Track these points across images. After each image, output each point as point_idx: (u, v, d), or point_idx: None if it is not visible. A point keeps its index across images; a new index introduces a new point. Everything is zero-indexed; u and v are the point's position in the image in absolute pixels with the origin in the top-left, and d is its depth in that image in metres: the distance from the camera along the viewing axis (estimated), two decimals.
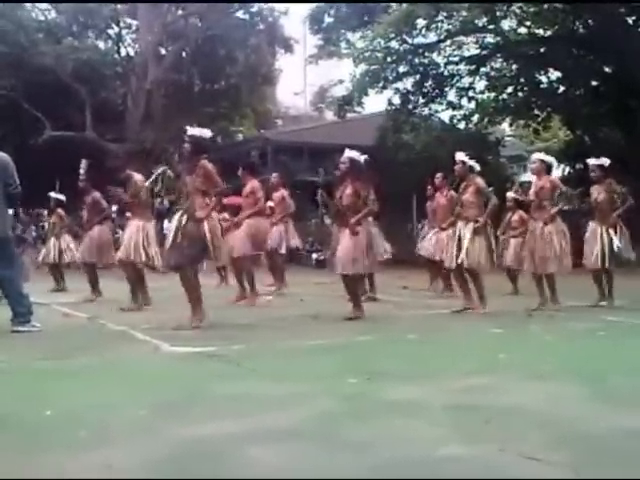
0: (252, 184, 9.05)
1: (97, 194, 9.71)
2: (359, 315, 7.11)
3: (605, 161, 8.29)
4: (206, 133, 6.76)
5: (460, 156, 7.85)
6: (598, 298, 8.27)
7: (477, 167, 7.92)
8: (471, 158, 7.91)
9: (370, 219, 8.71)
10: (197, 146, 6.59)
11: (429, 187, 10.94)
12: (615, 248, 8.01)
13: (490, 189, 7.92)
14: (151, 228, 8.39)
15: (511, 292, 10.13)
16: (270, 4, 29.84)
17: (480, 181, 7.74)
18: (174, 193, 6.85)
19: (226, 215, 9.19)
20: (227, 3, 28.53)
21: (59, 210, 11.82)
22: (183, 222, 6.34)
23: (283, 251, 10.76)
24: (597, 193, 8.25)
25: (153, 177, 7.28)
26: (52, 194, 12.06)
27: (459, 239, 7.62)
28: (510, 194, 10.20)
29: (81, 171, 9.55)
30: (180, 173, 6.79)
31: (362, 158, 7.34)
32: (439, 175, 10.10)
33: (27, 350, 5.30)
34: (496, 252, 8.09)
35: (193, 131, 6.69)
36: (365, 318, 7.10)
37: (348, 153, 7.33)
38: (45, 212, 14.57)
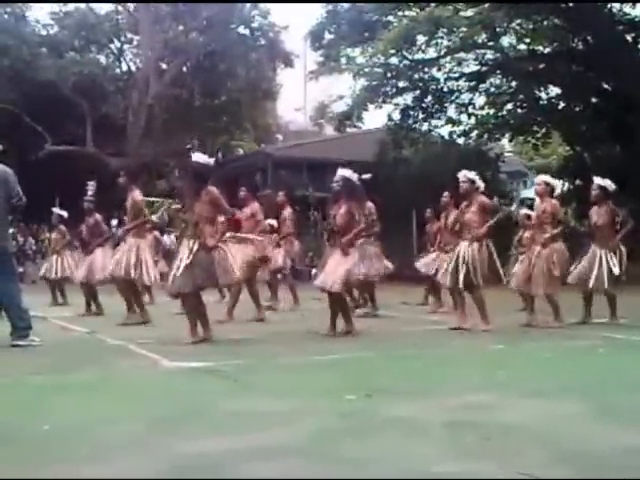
0: (252, 207, 9.10)
1: (99, 216, 9.75)
2: (350, 329, 7.07)
3: (610, 184, 8.25)
4: (209, 160, 6.78)
5: (469, 174, 7.77)
6: (583, 316, 8.25)
7: (482, 187, 7.88)
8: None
9: (372, 239, 8.73)
10: (201, 173, 6.61)
11: (428, 210, 10.91)
12: (616, 272, 7.97)
13: (495, 200, 7.90)
14: (145, 245, 8.39)
15: (522, 308, 10.07)
16: (271, 19, 30.03)
17: (485, 199, 7.70)
18: (178, 224, 6.85)
19: (227, 234, 9.21)
20: (241, 2, 28.68)
21: (61, 226, 11.84)
22: (194, 250, 6.31)
23: (287, 271, 10.77)
24: (597, 216, 8.21)
25: (159, 213, 7.34)
26: (55, 210, 12.09)
27: (459, 258, 7.56)
28: (523, 211, 10.19)
29: (89, 192, 9.61)
30: (183, 198, 6.80)
31: (355, 177, 7.30)
32: (446, 194, 9.86)
33: (26, 364, 5.29)
34: (504, 269, 8.05)
35: (197, 158, 6.70)
36: (363, 333, 7.09)
37: (341, 172, 7.27)
38: (38, 227, 14.55)
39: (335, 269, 6.94)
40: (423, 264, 10.57)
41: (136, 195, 8.37)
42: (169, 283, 6.50)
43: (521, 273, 8.09)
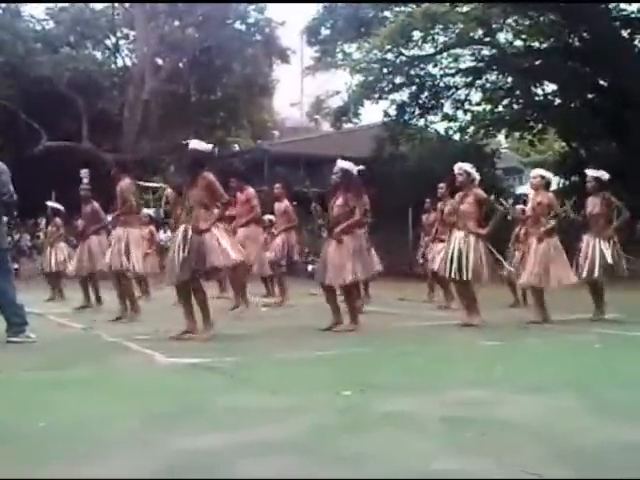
0: (247, 192, 9.08)
1: (96, 204, 9.67)
2: (353, 328, 7.06)
3: (603, 174, 8.28)
4: (207, 147, 6.74)
5: (464, 166, 7.76)
6: (596, 311, 8.23)
7: (478, 179, 7.88)
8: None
9: (362, 230, 8.69)
10: (198, 159, 6.57)
11: (427, 200, 10.90)
12: (609, 260, 7.97)
13: (492, 198, 7.91)
14: (135, 235, 8.31)
15: (513, 304, 10.09)
16: (267, 15, 29.99)
17: (481, 192, 7.68)
18: (175, 212, 6.83)
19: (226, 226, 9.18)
20: (239, 2, 28.65)
21: (56, 219, 11.82)
22: (189, 237, 6.30)
23: (283, 263, 10.72)
24: (592, 206, 8.23)
25: (160, 197, 7.32)
26: (50, 203, 12.05)
27: (456, 250, 7.54)
28: (519, 207, 10.18)
29: (84, 180, 9.53)
30: (180, 186, 6.77)
31: (354, 169, 7.30)
32: (442, 185, 9.84)
33: (21, 361, 5.28)
34: (500, 264, 8.04)
35: (194, 144, 6.67)
36: (360, 329, 7.08)
37: (341, 164, 7.29)
38: (34, 223, 14.56)
39: (338, 263, 6.94)
40: (433, 260, 10.40)
41: (124, 184, 8.21)
42: (167, 272, 6.51)
43: (530, 269, 7.97)
